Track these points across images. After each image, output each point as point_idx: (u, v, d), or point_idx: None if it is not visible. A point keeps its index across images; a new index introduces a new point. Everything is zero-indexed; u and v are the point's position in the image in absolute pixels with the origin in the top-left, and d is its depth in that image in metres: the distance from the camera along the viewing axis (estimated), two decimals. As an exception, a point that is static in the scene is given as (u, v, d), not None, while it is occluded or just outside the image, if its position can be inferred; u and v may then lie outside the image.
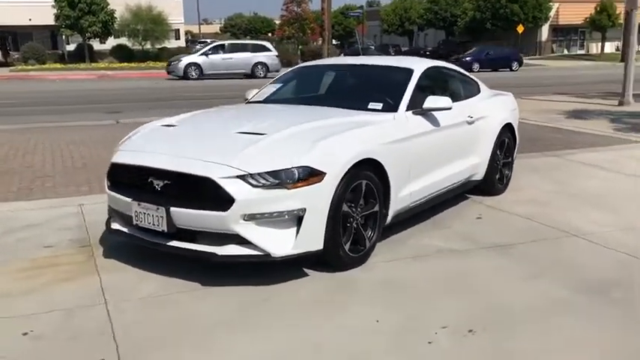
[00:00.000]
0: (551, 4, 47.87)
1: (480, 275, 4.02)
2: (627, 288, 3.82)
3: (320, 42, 41.39)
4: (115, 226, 4.20)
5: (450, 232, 4.89)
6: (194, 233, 3.74)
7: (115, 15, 38.68)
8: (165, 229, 3.72)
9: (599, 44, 49.78)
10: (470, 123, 5.42)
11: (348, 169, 3.82)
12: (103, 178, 7.37)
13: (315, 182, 3.64)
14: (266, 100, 5.40)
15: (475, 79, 6.19)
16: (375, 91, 5.02)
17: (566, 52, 52.43)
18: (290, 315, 3.39)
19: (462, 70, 6.06)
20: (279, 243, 3.62)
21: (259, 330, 3.22)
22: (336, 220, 3.79)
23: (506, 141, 6.16)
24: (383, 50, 51.77)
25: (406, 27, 60.58)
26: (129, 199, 3.89)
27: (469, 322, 3.29)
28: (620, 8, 45.07)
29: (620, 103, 14.60)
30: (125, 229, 4.11)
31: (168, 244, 3.81)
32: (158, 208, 3.72)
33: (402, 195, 4.49)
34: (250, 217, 3.56)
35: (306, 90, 5.52)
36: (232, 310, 3.44)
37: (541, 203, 5.81)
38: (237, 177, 3.56)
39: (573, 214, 5.44)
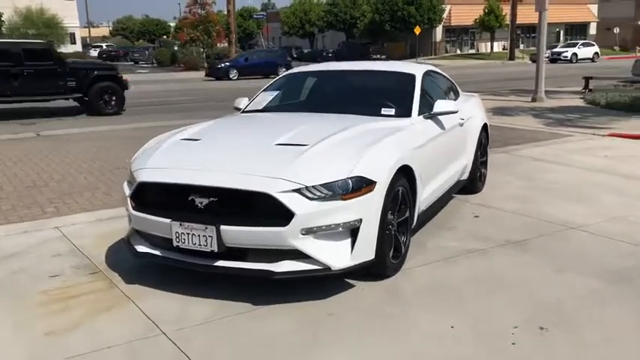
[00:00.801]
0: (443, 6, 50.29)
1: (512, 273, 4.17)
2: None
3: (226, 44, 40.87)
4: (142, 249, 3.94)
5: (459, 233, 5.03)
6: (243, 251, 3.60)
7: (3, 18, 35.85)
8: (215, 248, 3.55)
9: (489, 44, 52.99)
10: (461, 125, 5.61)
11: (392, 177, 3.84)
12: (64, 197, 6.95)
13: (368, 192, 3.62)
14: (268, 109, 5.26)
15: (453, 81, 6.42)
16: (383, 97, 5.05)
17: (458, 51, 55.24)
18: (362, 328, 3.36)
19: (445, 74, 6.25)
20: (338, 255, 3.57)
21: (340, 347, 3.17)
22: (384, 228, 3.80)
23: (483, 140, 6.44)
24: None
25: (306, 29, 61.19)
26: (167, 220, 3.66)
27: (534, 320, 3.42)
28: (506, 10, 48.36)
29: (534, 100, 15.65)
30: (157, 252, 3.87)
31: (215, 264, 3.63)
32: (206, 228, 3.53)
33: (422, 199, 4.57)
34: (308, 231, 3.47)
35: (308, 97, 5.42)
36: (303, 329, 3.35)
37: (522, 199, 6.12)
38: (294, 191, 3.47)
39: (556, 207, 5.78)
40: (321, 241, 3.53)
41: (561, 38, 57.61)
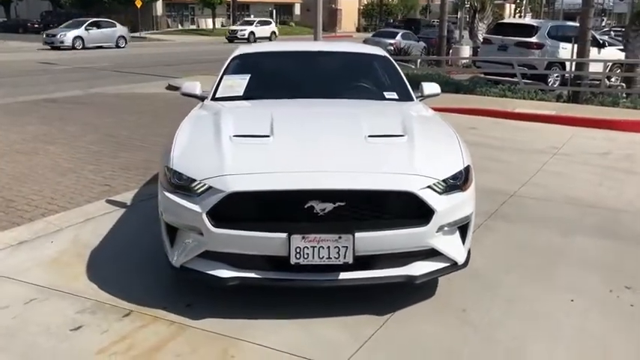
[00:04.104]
0: (163, -21, 48.64)
1: (535, 242, 4.48)
2: (623, 229, 4.84)
3: None
4: (227, 273, 3.14)
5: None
6: (369, 259, 3.18)
7: None
8: (349, 260, 3.06)
9: (209, 20, 53.20)
10: None
11: (469, 163, 3.81)
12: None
13: (472, 181, 3.53)
14: (255, 96, 4.44)
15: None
16: (374, 80, 4.87)
17: (180, 27, 54.26)
18: (515, 319, 3.33)
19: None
20: (458, 250, 3.40)
21: (536, 337, 3.12)
22: (471, 216, 3.75)
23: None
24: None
25: (0, -5, 52.87)
26: (281, 235, 3.01)
27: (611, 281, 3.81)
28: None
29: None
30: (252, 274, 3.15)
31: (340, 277, 3.14)
32: (339, 237, 3.02)
33: None
34: (440, 228, 3.24)
35: (297, 81, 4.70)
36: (463, 328, 3.18)
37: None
38: (428, 187, 3.19)
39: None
40: (446, 236, 3.32)
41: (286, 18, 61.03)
